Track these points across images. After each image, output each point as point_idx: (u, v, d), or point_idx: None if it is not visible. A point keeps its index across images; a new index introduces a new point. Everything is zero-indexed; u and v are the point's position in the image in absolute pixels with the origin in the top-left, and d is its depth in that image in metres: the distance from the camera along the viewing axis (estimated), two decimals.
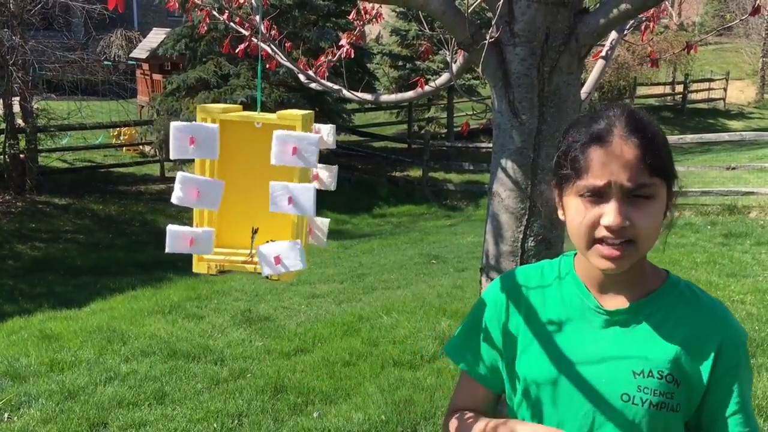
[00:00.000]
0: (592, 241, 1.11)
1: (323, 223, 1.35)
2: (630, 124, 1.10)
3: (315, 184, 1.17)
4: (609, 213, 1.07)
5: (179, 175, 1.16)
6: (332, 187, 1.36)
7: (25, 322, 6.10)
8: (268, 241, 1.20)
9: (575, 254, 1.25)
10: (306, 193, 1.13)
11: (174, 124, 1.15)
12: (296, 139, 1.12)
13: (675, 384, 1.13)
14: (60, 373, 4.54)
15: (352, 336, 5.17)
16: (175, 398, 4.14)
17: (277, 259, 1.15)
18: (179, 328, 5.49)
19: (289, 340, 5.13)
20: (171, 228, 1.18)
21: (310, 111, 1.28)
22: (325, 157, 1.40)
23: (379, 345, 4.95)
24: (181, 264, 9.17)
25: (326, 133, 1.31)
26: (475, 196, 14.10)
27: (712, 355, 1.13)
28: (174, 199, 1.17)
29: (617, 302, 1.18)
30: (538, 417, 1.22)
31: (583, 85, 2.05)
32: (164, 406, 4.04)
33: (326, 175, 1.36)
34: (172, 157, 1.16)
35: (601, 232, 1.09)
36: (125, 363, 4.72)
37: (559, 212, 1.20)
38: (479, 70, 1.76)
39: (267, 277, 1.19)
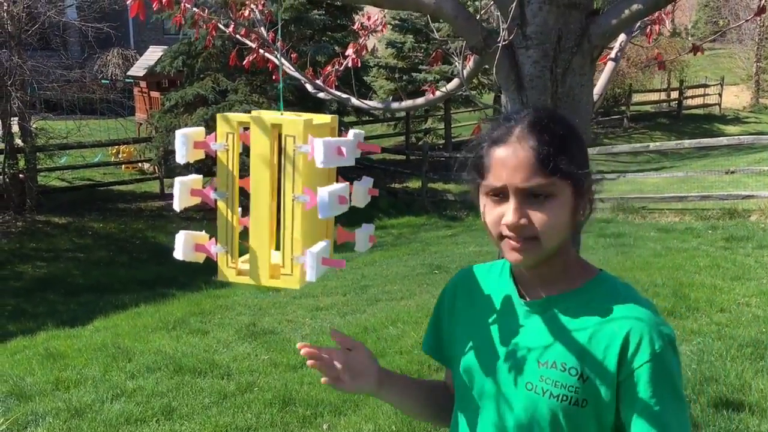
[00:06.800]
0: (500, 236, 1.16)
1: (368, 227, 1.37)
2: (530, 126, 1.13)
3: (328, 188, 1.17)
4: (507, 212, 1.13)
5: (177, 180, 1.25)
6: (360, 203, 1.32)
7: (29, 342, 6.07)
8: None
9: None
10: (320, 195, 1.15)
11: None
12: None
13: (580, 378, 1.12)
14: (66, 391, 4.51)
15: None
16: (183, 413, 4.11)
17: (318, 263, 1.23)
18: (184, 343, 5.47)
19: (295, 353, 5.10)
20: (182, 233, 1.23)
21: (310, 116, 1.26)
22: (328, 171, 1.34)
23: (386, 356, 4.92)
24: (183, 279, 9.17)
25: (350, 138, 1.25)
26: (475, 205, 14.04)
27: (618, 351, 1.11)
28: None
29: (538, 296, 1.23)
30: (461, 401, 1.29)
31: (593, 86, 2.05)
32: (172, 422, 4.01)
33: (359, 190, 1.31)
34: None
35: (504, 230, 1.14)
36: (131, 379, 4.69)
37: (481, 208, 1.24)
38: (492, 73, 1.76)
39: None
